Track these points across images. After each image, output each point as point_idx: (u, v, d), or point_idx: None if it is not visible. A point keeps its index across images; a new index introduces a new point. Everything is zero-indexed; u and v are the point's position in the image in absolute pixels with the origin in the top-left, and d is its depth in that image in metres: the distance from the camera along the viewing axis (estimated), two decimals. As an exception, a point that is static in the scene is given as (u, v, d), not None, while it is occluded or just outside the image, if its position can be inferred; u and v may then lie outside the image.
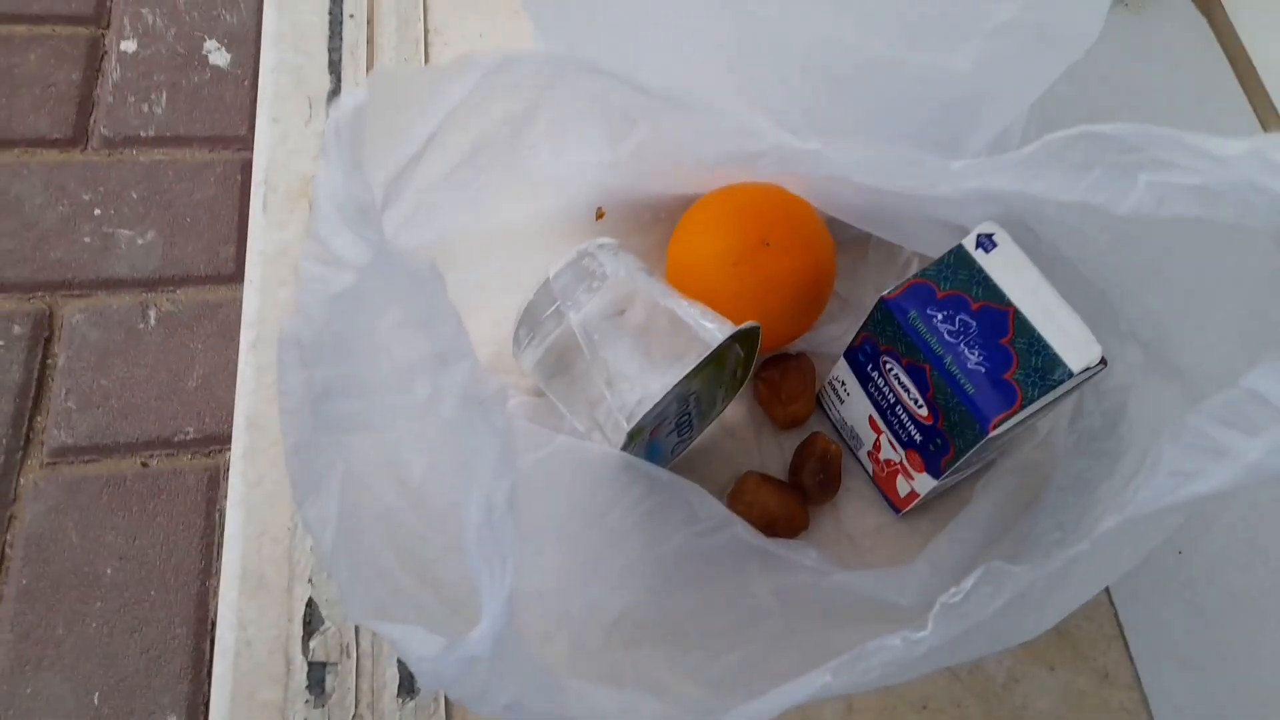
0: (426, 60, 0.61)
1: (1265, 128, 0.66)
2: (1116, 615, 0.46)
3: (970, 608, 0.28)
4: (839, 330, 0.52)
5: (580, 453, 0.36)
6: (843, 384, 0.48)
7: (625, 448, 0.41)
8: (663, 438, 0.45)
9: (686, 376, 0.41)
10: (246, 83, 1.06)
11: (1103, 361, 0.39)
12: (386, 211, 0.27)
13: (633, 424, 0.41)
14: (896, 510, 0.48)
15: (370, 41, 0.61)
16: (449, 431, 0.25)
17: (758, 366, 0.50)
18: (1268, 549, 0.47)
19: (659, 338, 0.45)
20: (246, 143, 1.01)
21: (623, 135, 0.37)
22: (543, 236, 0.48)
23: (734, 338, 0.43)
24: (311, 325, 0.22)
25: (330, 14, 0.62)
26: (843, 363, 0.47)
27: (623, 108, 0.33)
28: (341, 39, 0.61)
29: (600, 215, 0.51)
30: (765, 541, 0.41)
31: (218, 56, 1.07)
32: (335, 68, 0.60)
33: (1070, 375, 0.38)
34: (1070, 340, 0.39)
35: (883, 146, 0.27)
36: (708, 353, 0.42)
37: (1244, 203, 0.25)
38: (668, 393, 0.40)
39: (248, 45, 1.09)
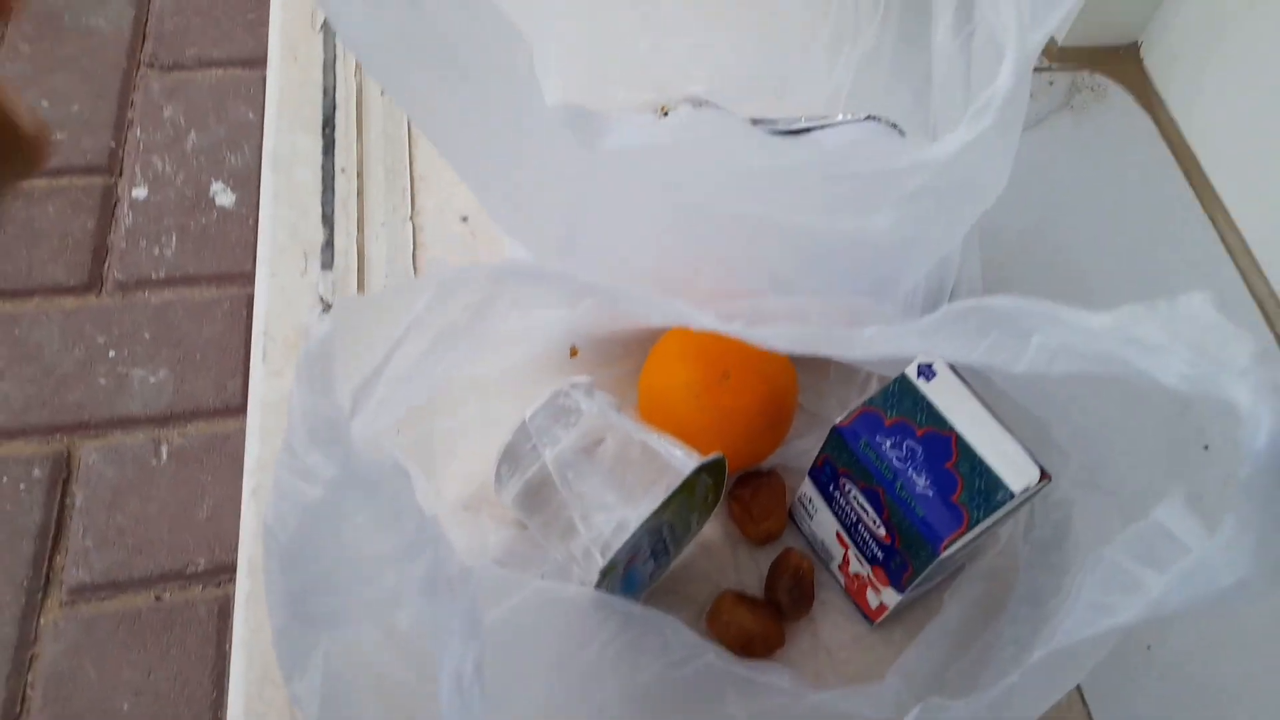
0: (413, 208, 0.65)
1: (1213, 221, 0.69)
2: (1089, 713, 0.47)
3: (911, 744, 0.30)
4: (808, 444, 0.54)
5: (552, 595, 0.39)
6: (810, 501, 0.50)
7: (601, 583, 0.43)
8: (639, 566, 0.47)
9: (655, 511, 0.44)
10: (251, 221, 1.12)
11: (1045, 477, 0.41)
12: (358, 411, 0.30)
13: (607, 559, 0.43)
14: (870, 621, 0.50)
15: (360, 194, 0.66)
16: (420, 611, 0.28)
17: (731, 485, 0.53)
18: (1233, 642, 0.49)
19: (631, 470, 0.47)
20: (251, 278, 1.06)
21: (580, 298, 0.40)
22: (522, 379, 0.51)
23: (701, 469, 0.46)
24: (286, 531, 0.25)
25: (323, 169, 0.67)
26: (808, 481, 0.49)
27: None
28: (334, 192, 0.66)
29: (574, 353, 0.55)
30: (739, 667, 0.43)
31: (223, 197, 1.13)
32: (328, 220, 0.65)
33: (1011, 496, 0.41)
34: (1009, 462, 0.41)
35: (801, 321, 0.30)
36: (674, 487, 0.44)
37: (1118, 369, 0.28)
38: (637, 529, 0.43)
39: (252, 185, 1.15)
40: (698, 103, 0.63)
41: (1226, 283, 0.65)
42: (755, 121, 0.64)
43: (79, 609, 0.90)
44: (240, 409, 0.98)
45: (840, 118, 0.64)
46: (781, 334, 0.30)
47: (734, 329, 0.31)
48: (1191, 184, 0.71)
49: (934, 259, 0.42)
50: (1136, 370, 0.26)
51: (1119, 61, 0.77)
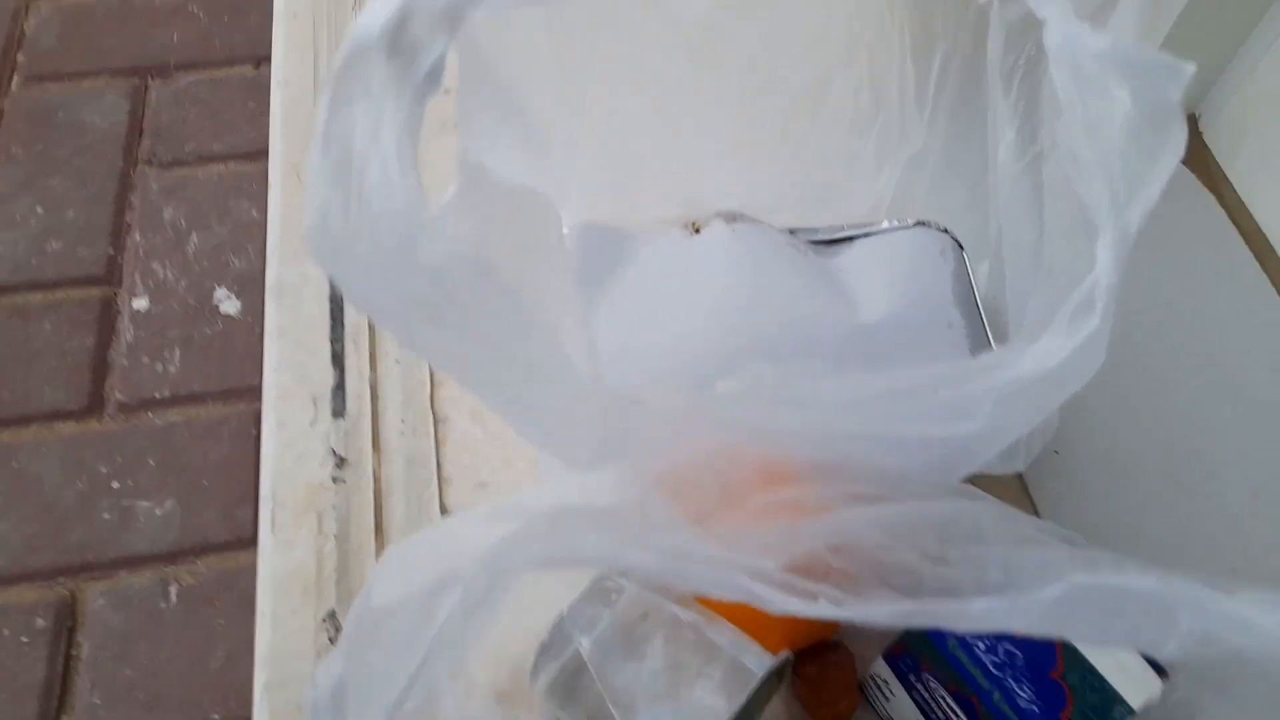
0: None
1: (1287, 301, 0.64)
2: None
3: None
4: (877, 603, 0.49)
5: None
6: (885, 683, 0.45)
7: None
8: (703, 776, 0.42)
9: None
10: (257, 330, 1.07)
11: (1163, 676, 0.36)
12: None
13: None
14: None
15: (372, 325, 0.61)
16: None
17: (795, 661, 0.48)
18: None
19: (683, 661, 0.43)
20: (258, 394, 1.02)
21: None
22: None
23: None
24: None
25: (330, 300, 0.62)
26: (883, 663, 0.44)
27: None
28: (344, 326, 0.61)
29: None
30: None
31: (228, 305, 1.09)
32: (338, 360, 0.60)
33: (1131, 713, 0.36)
34: (1125, 671, 0.36)
35: (898, 602, 0.26)
36: (743, 697, 0.39)
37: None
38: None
39: (257, 291, 1.11)
40: (731, 217, 0.59)
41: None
42: (793, 231, 0.59)
43: (87, 774, 0.85)
44: (250, 541, 0.93)
45: (886, 224, 0.59)
46: (879, 611, 0.26)
47: (819, 611, 0.26)
48: (1264, 267, 0.66)
49: (1021, 434, 0.37)
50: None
51: (1175, 135, 0.72)
